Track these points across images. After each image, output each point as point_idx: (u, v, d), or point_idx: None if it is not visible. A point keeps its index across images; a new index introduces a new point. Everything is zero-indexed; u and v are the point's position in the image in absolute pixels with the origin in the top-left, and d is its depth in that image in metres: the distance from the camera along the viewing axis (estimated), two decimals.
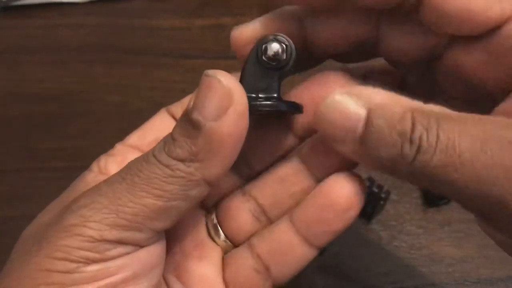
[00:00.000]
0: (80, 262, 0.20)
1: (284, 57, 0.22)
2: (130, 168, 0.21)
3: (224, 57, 0.51)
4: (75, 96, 0.49)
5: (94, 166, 0.27)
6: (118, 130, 0.46)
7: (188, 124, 0.20)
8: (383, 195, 0.39)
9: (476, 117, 0.19)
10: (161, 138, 0.22)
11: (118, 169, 0.22)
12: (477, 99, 0.22)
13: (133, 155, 0.23)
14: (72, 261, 0.20)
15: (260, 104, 0.21)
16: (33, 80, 0.50)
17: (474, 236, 0.40)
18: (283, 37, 0.22)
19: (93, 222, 0.20)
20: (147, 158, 0.21)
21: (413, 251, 0.39)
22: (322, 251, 0.39)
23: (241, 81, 0.22)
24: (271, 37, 0.22)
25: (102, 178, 0.23)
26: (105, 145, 0.45)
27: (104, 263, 0.20)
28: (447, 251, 0.39)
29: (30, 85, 0.50)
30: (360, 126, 0.20)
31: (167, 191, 0.20)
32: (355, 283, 0.38)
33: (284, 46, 0.22)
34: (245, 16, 0.54)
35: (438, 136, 0.18)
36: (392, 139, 0.19)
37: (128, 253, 0.21)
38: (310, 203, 0.23)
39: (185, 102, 0.26)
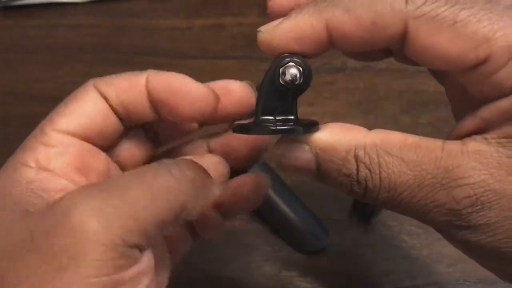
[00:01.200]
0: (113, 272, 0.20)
1: (301, 81, 0.22)
2: None
3: (224, 57, 0.51)
4: None
5: (30, 159, 0.24)
6: None
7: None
8: None
9: (413, 149, 0.21)
10: (96, 122, 0.25)
11: (65, 167, 0.24)
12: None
13: (75, 148, 0.25)
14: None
15: (278, 129, 0.22)
16: (33, 80, 0.50)
17: None
18: (300, 59, 0.22)
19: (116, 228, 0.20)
20: None
21: (413, 251, 0.39)
22: (323, 249, 0.39)
23: (258, 102, 0.22)
24: (287, 60, 0.22)
25: (46, 176, 0.23)
26: None
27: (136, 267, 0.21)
28: (447, 251, 0.39)
29: (30, 85, 0.50)
30: (313, 168, 0.22)
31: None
32: (355, 283, 0.38)
33: (301, 69, 0.22)
34: (245, 16, 0.54)
35: (380, 178, 0.21)
36: (342, 180, 0.22)
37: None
38: None
39: (116, 80, 0.26)
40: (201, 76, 0.51)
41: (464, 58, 0.20)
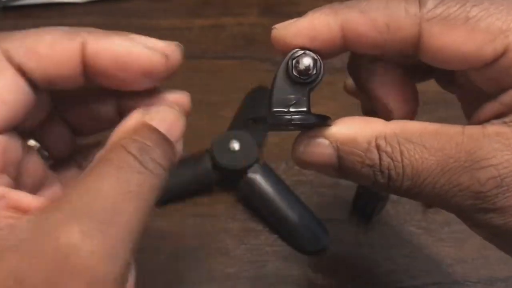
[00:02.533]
0: None
1: (315, 72, 0.22)
2: None
3: (224, 57, 0.51)
4: None
5: None
6: None
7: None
8: (383, 196, 0.39)
9: (433, 136, 0.21)
10: (15, 109, 0.21)
11: None
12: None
13: None
14: None
15: (293, 118, 0.22)
16: None
17: (474, 237, 0.39)
18: (313, 52, 0.22)
19: None
20: None
21: (413, 251, 0.39)
22: (323, 249, 0.39)
23: (271, 94, 0.22)
24: (301, 52, 0.22)
25: None
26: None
27: None
28: (447, 251, 0.39)
29: None
30: (335, 162, 0.22)
31: None
32: (355, 283, 0.38)
33: (314, 60, 0.22)
34: (245, 16, 0.54)
35: (403, 165, 0.21)
36: (365, 172, 0.22)
37: None
38: None
39: (40, 48, 0.21)
40: (201, 76, 0.52)
41: (481, 53, 0.20)
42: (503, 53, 0.20)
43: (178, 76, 0.50)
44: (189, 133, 0.46)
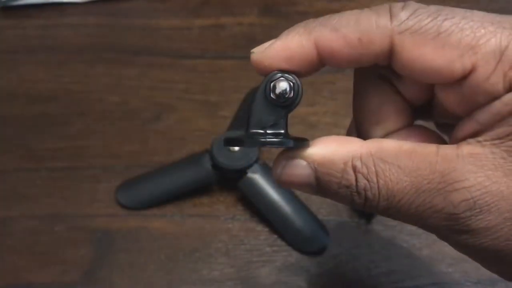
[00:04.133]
0: None
1: (292, 95, 0.22)
2: None
3: (224, 57, 0.51)
4: (75, 96, 0.49)
5: None
6: (118, 130, 0.46)
7: None
8: None
9: (408, 156, 0.21)
10: None
11: None
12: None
13: None
14: None
15: (269, 141, 0.22)
16: (33, 80, 0.50)
17: None
18: (291, 75, 0.22)
19: None
20: None
21: (413, 251, 0.39)
22: (323, 249, 0.39)
23: (249, 116, 0.23)
24: (279, 75, 0.22)
25: None
26: (105, 145, 0.46)
27: None
28: (447, 251, 0.39)
29: (30, 85, 0.50)
30: (313, 182, 0.23)
31: None
32: (355, 284, 0.38)
33: (291, 84, 0.22)
34: (245, 16, 0.54)
35: (378, 186, 0.21)
36: (342, 192, 0.22)
37: None
38: None
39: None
40: (201, 76, 0.52)
41: (450, 68, 0.20)
42: (472, 70, 0.20)
43: (178, 77, 0.50)
44: (189, 133, 0.46)
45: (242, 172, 0.40)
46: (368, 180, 0.22)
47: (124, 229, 0.41)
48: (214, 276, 0.38)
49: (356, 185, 0.22)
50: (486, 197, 0.20)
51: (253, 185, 0.40)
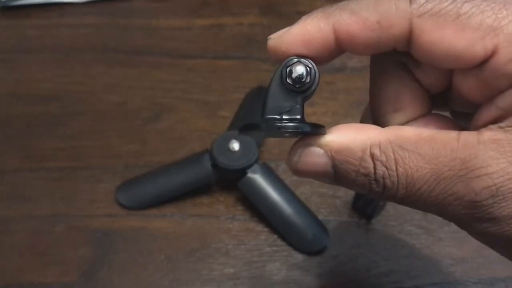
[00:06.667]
0: None
1: (308, 80, 0.22)
2: None
3: (224, 57, 0.51)
4: (75, 96, 0.49)
5: None
6: (118, 130, 0.46)
7: None
8: None
9: (428, 143, 0.21)
10: None
11: None
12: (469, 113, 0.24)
13: None
14: None
15: (285, 125, 0.21)
16: (33, 80, 0.50)
17: None
18: (308, 60, 0.22)
19: None
20: None
21: (413, 251, 0.39)
22: (323, 249, 0.39)
23: (265, 101, 0.22)
24: (295, 60, 0.22)
25: None
26: (105, 145, 0.46)
27: None
28: (447, 251, 0.39)
29: (30, 85, 0.50)
30: (330, 171, 0.22)
31: None
32: (355, 283, 0.38)
33: (308, 68, 0.22)
34: (245, 16, 0.54)
35: (398, 174, 0.21)
36: (360, 180, 0.22)
37: None
38: None
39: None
40: (201, 76, 0.52)
41: (471, 51, 0.20)
42: (494, 53, 0.20)
43: (178, 77, 0.50)
44: (189, 133, 0.46)
45: (242, 172, 0.40)
46: (387, 168, 0.21)
47: (124, 229, 0.41)
48: (214, 276, 0.38)
49: (375, 173, 0.21)
50: (510, 184, 0.20)
51: (253, 185, 0.40)
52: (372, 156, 0.21)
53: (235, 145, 0.40)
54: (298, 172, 0.23)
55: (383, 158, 0.21)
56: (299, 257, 0.39)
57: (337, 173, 0.22)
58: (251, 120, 0.40)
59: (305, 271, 0.39)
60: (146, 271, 0.39)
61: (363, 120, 0.27)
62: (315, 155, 0.22)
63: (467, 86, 0.22)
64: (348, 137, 0.22)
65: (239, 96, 0.47)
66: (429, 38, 0.20)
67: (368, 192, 0.22)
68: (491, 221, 0.20)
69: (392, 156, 0.21)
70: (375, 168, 0.21)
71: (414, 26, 0.20)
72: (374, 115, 0.25)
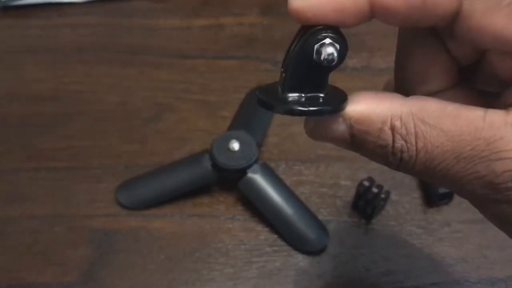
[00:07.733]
0: None
1: (338, 59, 0.20)
2: None
3: (224, 57, 0.51)
4: (75, 96, 0.49)
5: None
6: (118, 130, 0.46)
7: None
8: (383, 195, 0.39)
9: (452, 119, 0.20)
10: None
11: None
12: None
13: None
14: None
15: (307, 110, 0.20)
16: (33, 80, 0.50)
17: (474, 236, 0.40)
18: (336, 34, 0.20)
19: None
20: None
21: (413, 251, 0.39)
22: (323, 249, 0.39)
23: (285, 76, 0.21)
24: (323, 35, 0.20)
25: None
26: (105, 145, 0.46)
27: None
28: (447, 251, 0.39)
29: (30, 85, 0.50)
30: (348, 139, 0.22)
31: None
32: (355, 283, 0.38)
33: (338, 47, 0.20)
34: (245, 16, 0.54)
35: (417, 149, 0.20)
36: (377, 151, 0.21)
37: None
38: None
39: None
40: (201, 76, 0.52)
41: None
42: None
43: (178, 76, 0.51)
44: (189, 133, 0.46)
45: (242, 172, 0.40)
46: (406, 142, 0.20)
47: (124, 229, 0.41)
48: (214, 276, 0.38)
49: (393, 146, 0.21)
50: None
51: (253, 185, 0.40)
52: (393, 128, 0.21)
53: (235, 145, 0.40)
54: (314, 136, 0.22)
55: (403, 131, 0.20)
56: (299, 257, 0.39)
57: (354, 141, 0.22)
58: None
59: (305, 271, 0.39)
60: (146, 271, 0.39)
61: (385, 89, 0.26)
62: (333, 121, 0.22)
63: (502, 64, 0.21)
64: (368, 107, 0.21)
65: (239, 96, 0.47)
66: (478, 21, 0.19)
67: (384, 163, 0.22)
68: (508, 203, 0.20)
69: (413, 130, 0.20)
70: (394, 141, 0.21)
71: (463, 7, 0.20)
72: (399, 86, 0.24)
